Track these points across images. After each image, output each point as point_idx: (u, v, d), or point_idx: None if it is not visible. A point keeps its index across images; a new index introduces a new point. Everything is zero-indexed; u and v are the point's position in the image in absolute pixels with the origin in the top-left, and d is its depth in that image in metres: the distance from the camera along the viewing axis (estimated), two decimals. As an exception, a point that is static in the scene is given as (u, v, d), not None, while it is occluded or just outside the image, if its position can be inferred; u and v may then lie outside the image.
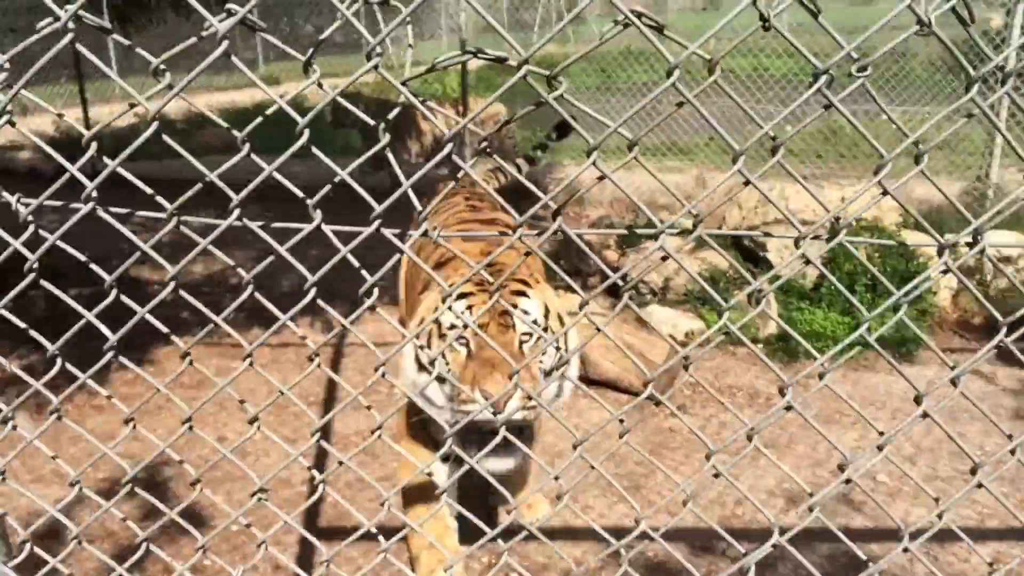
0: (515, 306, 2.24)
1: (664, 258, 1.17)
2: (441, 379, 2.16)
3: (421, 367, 2.25)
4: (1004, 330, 1.26)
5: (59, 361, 1.23)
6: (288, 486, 3.58)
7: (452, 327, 2.20)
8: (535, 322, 2.25)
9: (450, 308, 2.11)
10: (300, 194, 1.12)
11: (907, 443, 3.94)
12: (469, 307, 2.21)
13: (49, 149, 1.18)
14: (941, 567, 3.09)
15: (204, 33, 1.00)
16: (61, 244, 1.17)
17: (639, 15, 0.95)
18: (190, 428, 1.32)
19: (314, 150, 1.15)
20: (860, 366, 4.75)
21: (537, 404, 2.05)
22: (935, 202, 6.54)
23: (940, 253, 1.19)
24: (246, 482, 3.60)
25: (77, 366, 1.26)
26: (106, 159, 1.11)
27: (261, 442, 3.88)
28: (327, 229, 1.13)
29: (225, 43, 0.98)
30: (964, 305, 5.27)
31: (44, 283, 1.18)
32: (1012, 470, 3.78)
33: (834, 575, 3.00)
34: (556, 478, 1.36)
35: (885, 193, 1.13)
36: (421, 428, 2.59)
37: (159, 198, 1.14)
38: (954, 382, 1.28)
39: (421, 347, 2.24)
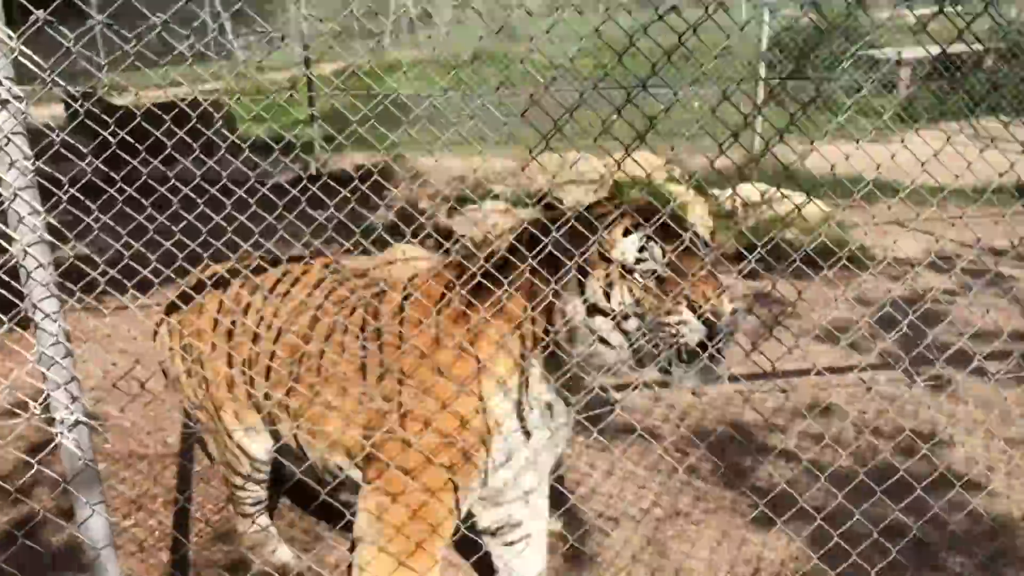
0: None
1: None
2: (624, 316, 2.03)
3: (592, 311, 2.07)
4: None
5: None
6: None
7: (639, 261, 2.04)
8: (707, 244, 2.15)
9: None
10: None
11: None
12: (648, 238, 2.06)
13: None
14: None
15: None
16: None
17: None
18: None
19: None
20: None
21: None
22: (716, 165, 8.04)
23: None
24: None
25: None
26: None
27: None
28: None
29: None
30: (720, 240, 6.70)
31: None
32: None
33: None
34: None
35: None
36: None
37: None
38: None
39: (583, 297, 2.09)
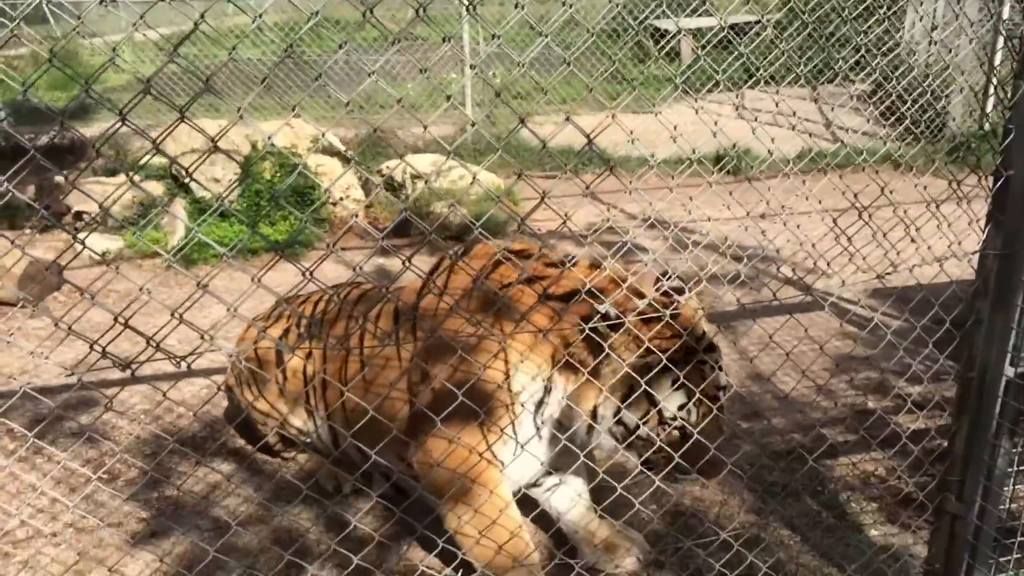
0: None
1: None
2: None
3: (616, 417, 2.39)
4: None
5: None
6: None
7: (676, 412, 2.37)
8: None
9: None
10: None
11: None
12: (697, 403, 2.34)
13: None
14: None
15: None
16: None
17: None
18: None
19: None
20: (253, 266, 5.56)
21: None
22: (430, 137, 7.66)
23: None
24: None
25: None
26: None
27: None
28: None
29: None
30: (376, 214, 6.33)
31: None
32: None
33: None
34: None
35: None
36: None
37: None
38: None
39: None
